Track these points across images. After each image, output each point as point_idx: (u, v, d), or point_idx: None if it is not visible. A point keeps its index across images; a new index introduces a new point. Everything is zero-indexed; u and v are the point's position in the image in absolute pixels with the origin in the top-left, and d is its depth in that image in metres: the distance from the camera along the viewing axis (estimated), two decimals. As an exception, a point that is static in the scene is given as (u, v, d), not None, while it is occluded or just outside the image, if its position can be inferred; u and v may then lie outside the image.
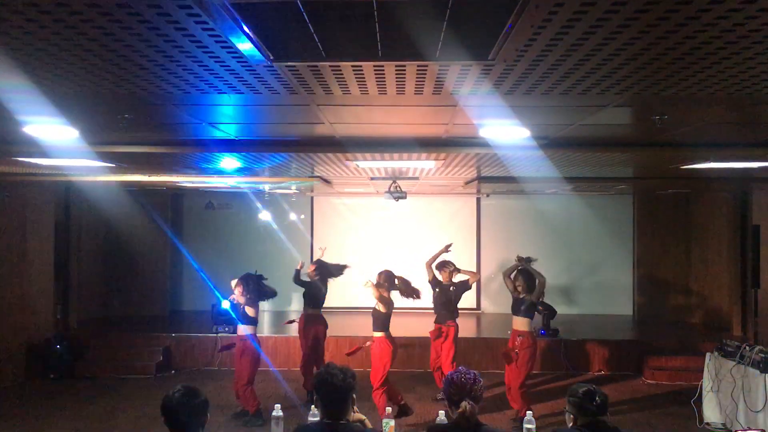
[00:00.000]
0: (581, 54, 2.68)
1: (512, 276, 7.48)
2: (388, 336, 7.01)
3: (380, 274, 7.22)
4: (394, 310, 7.11)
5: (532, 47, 2.58)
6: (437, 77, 3.17)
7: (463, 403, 3.34)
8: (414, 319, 9.55)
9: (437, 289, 8.23)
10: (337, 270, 8.48)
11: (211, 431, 3.50)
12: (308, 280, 8.45)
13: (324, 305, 8.49)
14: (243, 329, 7.35)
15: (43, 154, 5.92)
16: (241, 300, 7.28)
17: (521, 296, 7.34)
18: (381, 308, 6.98)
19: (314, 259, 8.71)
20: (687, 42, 2.50)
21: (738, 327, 10.65)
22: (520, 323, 7.35)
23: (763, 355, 6.51)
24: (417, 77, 3.17)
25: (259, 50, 2.61)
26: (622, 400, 8.37)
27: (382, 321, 6.99)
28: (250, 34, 2.41)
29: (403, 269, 11.19)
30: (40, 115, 4.21)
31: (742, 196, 10.65)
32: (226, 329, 10.27)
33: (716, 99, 3.63)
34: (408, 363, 9.78)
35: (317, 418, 3.53)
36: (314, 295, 8.35)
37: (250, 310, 7.33)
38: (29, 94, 3.52)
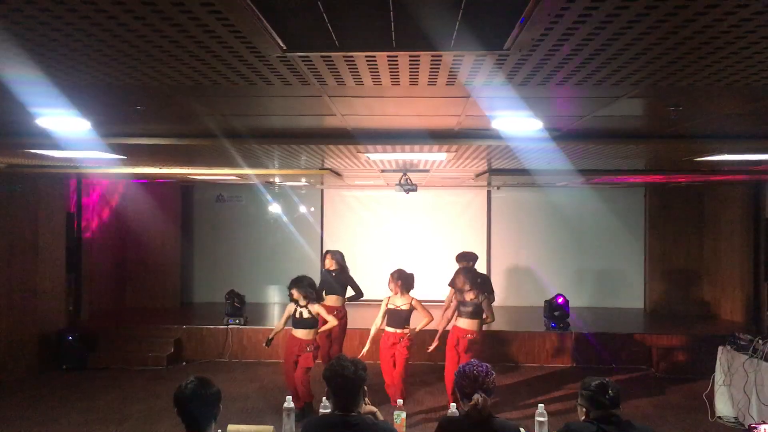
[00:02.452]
0: (598, 43, 2.65)
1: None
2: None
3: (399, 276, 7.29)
4: (403, 306, 7.24)
5: (549, 37, 2.55)
6: (451, 67, 3.14)
7: (476, 396, 3.34)
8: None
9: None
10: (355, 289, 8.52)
11: (223, 423, 3.50)
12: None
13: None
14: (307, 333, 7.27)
15: (56, 146, 5.94)
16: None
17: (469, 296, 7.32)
18: (407, 306, 7.25)
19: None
20: (706, 31, 2.46)
21: (751, 320, 10.59)
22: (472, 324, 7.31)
23: (776, 349, 6.47)
24: (431, 67, 3.15)
25: (272, 40, 2.60)
26: (633, 394, 8.34)
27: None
28: (264, 23, 2.39)
29: (413, 261, 11.25)
30: (53, 106, 4.22)
31: (755, 189, 10.57)
32: (237, 321, 10.32)
33: (733, 89, 3.58)
34: (419, 356, 9.78)
35: (329, 410, 3.53)
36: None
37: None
38: (42, 86, 3.52)
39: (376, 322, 7.36)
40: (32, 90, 3.68)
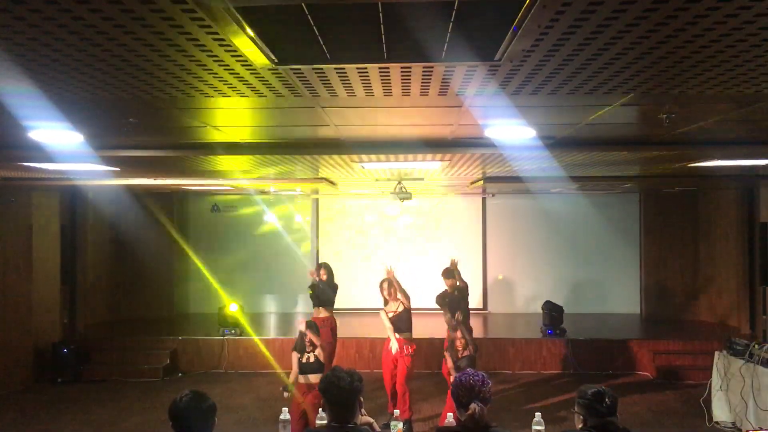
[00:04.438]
0: (588, 54, 2.66)
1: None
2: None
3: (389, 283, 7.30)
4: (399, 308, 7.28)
5: (539, 47, 2.56)
6: (443, 78, 3.15)
7: (472, 405, 3.32)
8: (421, 320, 9.52)
9: (447, 300, 8.18)
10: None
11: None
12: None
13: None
14: None
15: (49, 158, 5.93)
16: None
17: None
18: (401, 307, 7.25)
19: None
20: (695, 40, 2.48)
21: (746, 325, 10.60)
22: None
23: (772, 354, 6.47)
24: (422, 78, 3.15)
25: (263, 53, 2.60)
26: (630, 400, 8.33)
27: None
28: (254, 37, 2.40)
29: (409, 269, 11.24)
30: (46, 120, 4.21)
31: (749, 194, 10.60)
32: (233, 332, 10.27)
33: (724, 97, 3.60)
34: (417, 364, 9.76)
35: (325, 422, 3.51)
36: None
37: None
38: (34, 100, 3.52)
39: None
40: (24, 103, 3.67)
